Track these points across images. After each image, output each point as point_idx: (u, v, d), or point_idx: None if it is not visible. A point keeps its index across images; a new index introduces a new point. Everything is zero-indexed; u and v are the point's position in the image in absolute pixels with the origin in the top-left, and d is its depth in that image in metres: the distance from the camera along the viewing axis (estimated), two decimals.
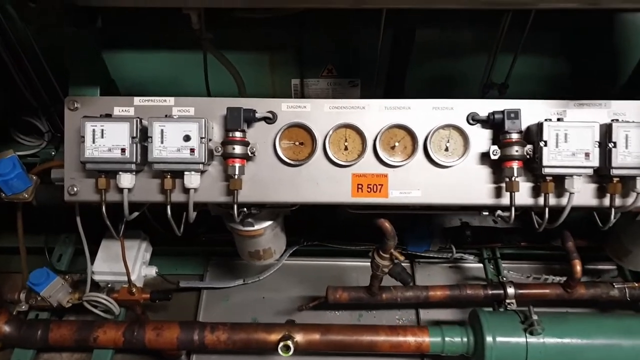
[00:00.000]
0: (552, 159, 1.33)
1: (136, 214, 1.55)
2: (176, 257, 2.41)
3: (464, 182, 1.43)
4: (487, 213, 1.51)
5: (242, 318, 2.24)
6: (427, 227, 2.09)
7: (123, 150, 1.34)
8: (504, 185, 1.40)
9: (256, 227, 1.67)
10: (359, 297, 1.94)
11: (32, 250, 2.22)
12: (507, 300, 1.91)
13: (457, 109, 1.42)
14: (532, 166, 1.38)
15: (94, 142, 1.34)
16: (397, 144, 1.42)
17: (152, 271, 2.05)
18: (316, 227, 2.20)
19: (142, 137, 1.37)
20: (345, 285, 1.97)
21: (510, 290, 1.91)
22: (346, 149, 1.42)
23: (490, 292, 1.93)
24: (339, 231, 2.21)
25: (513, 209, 1.38)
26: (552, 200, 1.40)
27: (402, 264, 1.72)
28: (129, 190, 1.40)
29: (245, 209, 1.52)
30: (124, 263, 1.76)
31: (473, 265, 2.33)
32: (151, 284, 2.16)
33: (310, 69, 1.83)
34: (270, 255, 1.87)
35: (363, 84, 1.85)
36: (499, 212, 1.48)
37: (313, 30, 1.71)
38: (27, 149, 1.86)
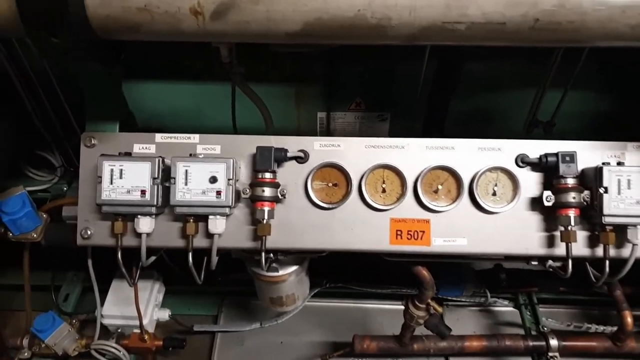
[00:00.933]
0: (613, 207, 1.20)
1: (153, 258, 1.43)
2: (189, 297, 2.28)
3: (513, 230, 1.30)
4: (536, 263, 1.38)
5: None
6: (460, 270, 1.96)
7: (143, 192, 1.23)
8: (557, 234, 1.28)
9: (281, 272, 1.55)
10: (388, 348, 1.80)
11: (38, 287, 2.10)
12: (550, 353, 1.76)
13: (505, 150, 1.31)
14: (590, 214, 1.26)
15: (111, 182, 1.23)
16: (440, 187, 1.30)
17: (165, 314, 1.92)
18: (340, 268, 2.07)
19: (164, 177, 1.26)
20: (373, 334, 1.84)
21: (553, 342, 1.76)
22: (384, 191, 1.31)
23: (530, 343, 1.78)
24: (364, 272, 2.07)
25: (570, 261, 1.24)
26: (612, 251, 1.27)
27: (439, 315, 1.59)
28: (148, 234, 1.29)
29: (271, 255, 1.40)
30: (137, 310, 1.63)
31: (505, 309, 2.19)
32: (162, 325, 2.04)
33: (337, 102, 1.74)
34: (294, 301, 1.74)
35: (393, 118, 1.75)
36: (550, 262, 1.36)
37: (343, 62, 1.62)
38: (38, 184, 1.75)
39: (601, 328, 1.84)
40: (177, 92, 1.71)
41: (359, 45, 1.31)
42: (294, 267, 1.56)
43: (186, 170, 1.23)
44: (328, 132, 1.82)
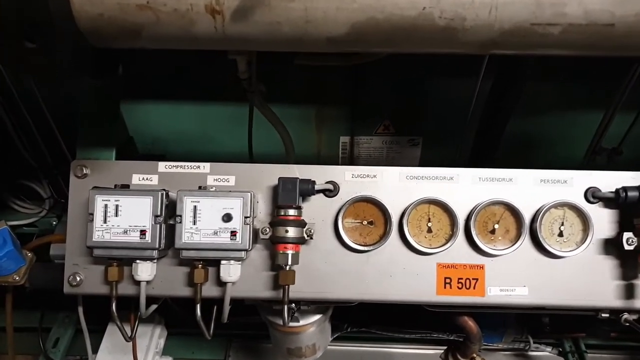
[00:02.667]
0: None
1: (154, 307, 1.22)
2: (193, 339, 2.05)
3: (583, 278, 1.10)
4: (607, 315, 1.16)
5: None
6: (500, 314, 1.73)
7: (143, 232, 1.02)
8: (638, 282, 1.07)
9: (302, 322, 1.33)
10: None
11: (25, 329, 1.89)
12: None
13: (572, 183, 1.10)
14: None
15: (105, 221, 1.03)
16: (496, 226, 1.09)
17: None
18: (362, 309, 1.84)
19: (168, 213, 1.06)
20: None
21: None
22: (430, 231, 1.10)
23: None
24: (390, 314, 1.84)
25: None
26: None
27: None
28: (148, 282, 1.08)
29: (293, 305, 1.18)
30: None
31: (544, 353, 1.95)
32: None
33: (363, 125, 1.56)
34: (314, 352, 1.51)
35: (426, 144, 1.56)
36: (626, 316, 1.14)
37: (370, 77, 1.44)
38: (24, 218, 1.54)
39: None
40: (183, 114, 1.53)
41: (389, 57, 1.13)
42: (317, 317, 1.34)
43: (195, 207, 1.02)
44: (351, 158, 1.63)
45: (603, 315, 1.17)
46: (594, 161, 1.31)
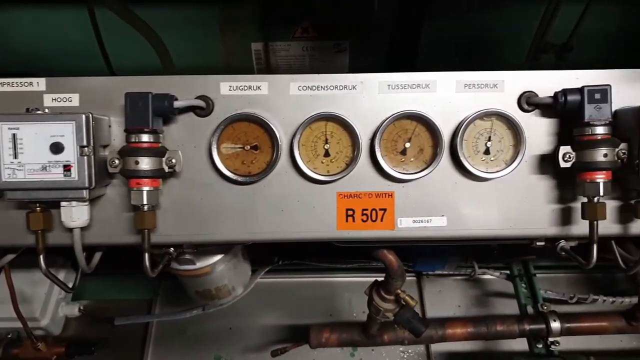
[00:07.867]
0: None
1: (11, 257, 1.02)
2: (120, 279, 1.89)
3: (513, 203, 0.92)
4: (542, 243, 1.00)
5: (203, 356, 1.76)
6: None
7: None
8: (576, 205, 0.91)
9: (199, 264, 1.15)
10: (352, 340, 1.45)
11: None
12: (551, 338, 1.42)
13: (503, 87, 0.89)
14: (625, 177, 0.87)
15: None
16: (407, 144, 0.88)
17: (74, 310, 1.53)
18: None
19: None
20: (335, 322, 1.49)
21: (555, 325, 1.42)
22: (327, 154, 0.89)
23: (527, 327, 1.44)
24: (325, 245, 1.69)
25: (595, 247, 0.85)
26: None
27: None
28: None
29: (172, 250, 0.99)
30: (17, 314, 1.23)
31: (492, 277, 1.84)
32: (79, 320, 1.66)
33: (277, 28, 1.31)
34: (228, 292, 1.37)
35: (354, 49, 1.32)
36: (562, 243, 0.98)
37: None
38: None
39: (610, 300, 1.57)
40: (66, 21, 1.26)
41: None
42: (218, 257, 1.16)
43: (14, 135, 0.79)
44: (268, 69, 1.39)
45: (538, 244, 1.00)
46: (539, 61, 1.09)
